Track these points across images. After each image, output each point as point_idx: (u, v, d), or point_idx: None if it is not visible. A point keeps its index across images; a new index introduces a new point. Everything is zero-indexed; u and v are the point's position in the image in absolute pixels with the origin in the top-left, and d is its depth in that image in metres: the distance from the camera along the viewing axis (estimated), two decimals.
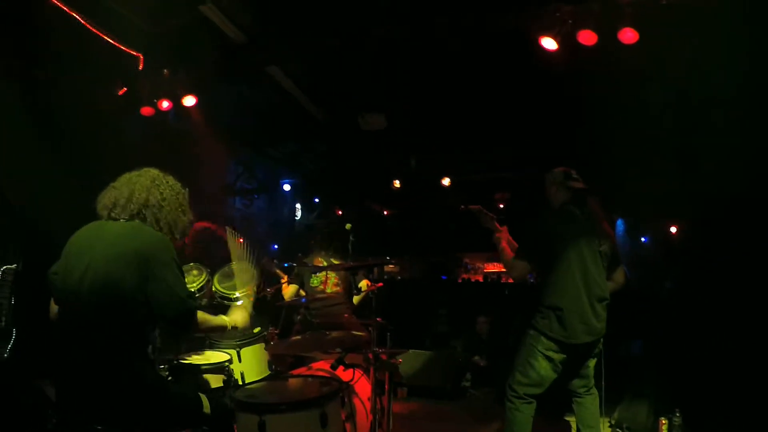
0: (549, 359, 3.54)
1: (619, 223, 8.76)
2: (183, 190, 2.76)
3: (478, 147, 8.44)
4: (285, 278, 5.22)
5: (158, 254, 2.46)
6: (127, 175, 2.67)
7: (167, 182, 2.70)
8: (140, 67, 4.89)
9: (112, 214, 2.56)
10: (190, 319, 2.55)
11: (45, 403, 3.30)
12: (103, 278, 2.40)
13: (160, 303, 2.43)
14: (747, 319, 4.02)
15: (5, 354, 3.27)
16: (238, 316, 2.95)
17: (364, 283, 4.83)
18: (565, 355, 3.54)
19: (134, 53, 4.77)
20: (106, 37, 4.37)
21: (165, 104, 5.21)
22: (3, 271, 3.36)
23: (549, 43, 4.40)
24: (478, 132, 7.84)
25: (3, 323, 3.31)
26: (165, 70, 5.13)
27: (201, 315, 2.67)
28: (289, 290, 5.13)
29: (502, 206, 10.63)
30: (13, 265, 3.36)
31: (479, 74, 6.06)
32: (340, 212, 10.88)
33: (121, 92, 5.00)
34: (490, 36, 5.14)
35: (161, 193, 2.63)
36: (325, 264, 5.02)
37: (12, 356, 3.26)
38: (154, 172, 2.70)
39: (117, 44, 4.52)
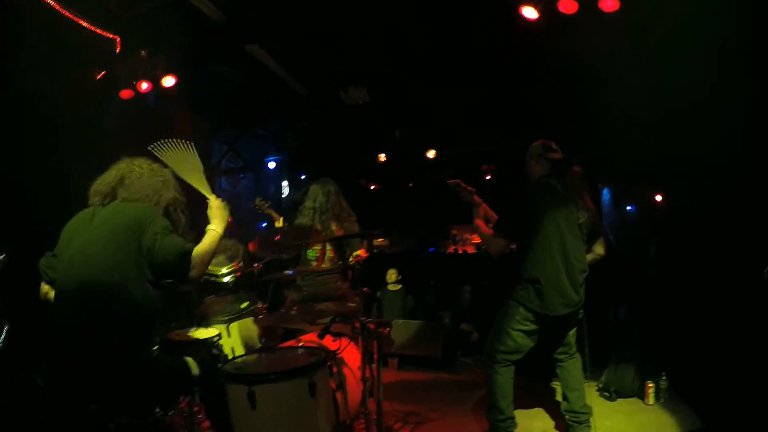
0: (526, 329, 3.61)
1: (605, 193, 8.84)
2: (165, 169, 2.81)
3: (463, 119, 8.42)
4: (280, 219, 5.17)
5: (150, 217, 2.54)
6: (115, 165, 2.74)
7: (150, 166, 2.77)
8: (117, 50, 4.81)
9: (95, 201, 2.65)
10: (188, 261, 2.56)
11: (37, 393, 3.34)
12: (93, 260, 2.45)
13: (159, 250, 2.47)
14: (730, 283, 4.10)
15: None
16: (216, 222, 2.83)
17: (361, 252, 4.70)
18: (542, 326, 3.61)
19: (110, 36, 4.69)
20: (80, 21, 4.29)
21: (144, 86, 5.15)
22: None
23: (529, 12, 4.39)
24: (463, 104, 7.83)
25: None
26: (142, 52, 5.06)
27: (195, 249, 2.62)
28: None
29: (488, 178, 10.68)
30: (1, 256, 3.35)
31: (463, 46, 6.03)
32: None
33: (99, 76, 4.92)
34: (474, 5, 5.11)
35: (137, 173, 2.71)
36: (319, 228, 4.77)
37: (4, 348, 3.28)
38: (140, 159, 2.77)
39: (92, 28, 4.44)
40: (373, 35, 5.73)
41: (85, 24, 4.37)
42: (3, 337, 3.26)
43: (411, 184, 12.39)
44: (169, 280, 2.60)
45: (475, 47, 6.02)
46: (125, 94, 5.15)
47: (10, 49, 3.87)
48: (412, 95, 7.50)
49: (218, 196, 2.90)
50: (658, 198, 7.08)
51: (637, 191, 7.72)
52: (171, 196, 2.77)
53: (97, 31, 4.51)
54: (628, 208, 8.51)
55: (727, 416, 3.86)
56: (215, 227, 2.77)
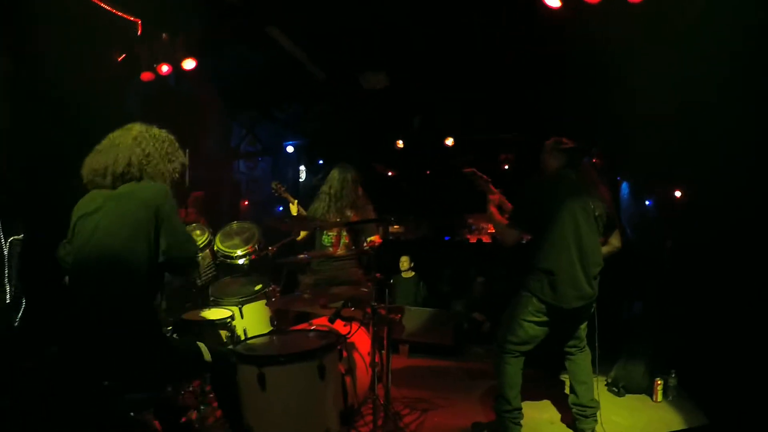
0: (538, 320, 3.60)
1: (624, 186, 8.73)
2: (169, 137, 2.80)
3: (482, 108, 8.36)
4: (295, 202, 5.19)
5: (165, 201, 2.56)
6: (110, 137, 2.71)
7: (151, 135, 2.73)
8: (139, 32, 4.85)
9: (98, 180, 2.62)
10: (196, 262, 2.69)
11: (55, 369, 3.42)
12: (108, 238, 2.48)
13: (174, 245, 2.53)
14: (744, 282, 4.05)
15: (15, 323, 3.37)
16: None
17: (375, 238, 4.73)
18: (554, 318, 3.59)
19: (131, 18, 4.72)
20: (101, 3, 4.33)
21: (165, 68, 5.20)
22: (10, 243, 3.43)
23: (552, 1, 4.35)
24: (482, 91, 7.77)
25: (12, 293, 3.40)
26: (163, 34, 5.09)
27: None
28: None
29: (506, 167, 10.62)
30: (20, 236, 3.42)
31: (483, 33, 5.98)
32: None
33: (119, 59, 4.97)
34: None
35: (143, 150, 2.66)
36: (337, 218, 4.74)
37: (22, 325, 3.36)
38: (136, 128, 2.73)
39: (113, 10, 4.47)
40: (391, 19, 5.69)
41: (106, 6, 4.41)
42: (20, 315, 3.35)
43: (428, 172, 12.36)
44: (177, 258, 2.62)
45: (497, 37, 5.97)
46: (146, 76, 5.19)
47: (31, 30, 3.91)
48: (432, 82, 7.45)
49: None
50: (677, 193, 7.00)
51: (657, 185, 7.63)
52: (174, 169, 2.79)
53: (118, 13, 4.55)
54: (647, 202, 8.41)
55: (734, 414, 3.84)
56: None
